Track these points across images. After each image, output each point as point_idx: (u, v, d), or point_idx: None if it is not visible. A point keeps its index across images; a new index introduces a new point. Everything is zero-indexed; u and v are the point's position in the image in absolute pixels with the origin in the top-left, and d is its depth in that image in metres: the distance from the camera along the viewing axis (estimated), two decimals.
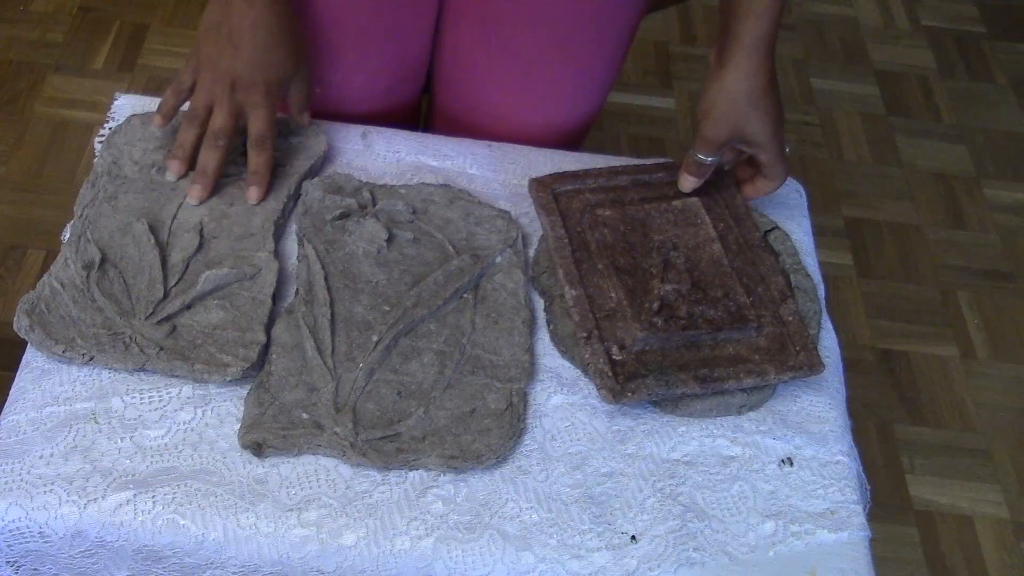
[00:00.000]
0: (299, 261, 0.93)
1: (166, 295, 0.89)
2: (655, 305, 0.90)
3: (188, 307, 0.88)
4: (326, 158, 1.03)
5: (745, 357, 0.89)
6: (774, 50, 0.91)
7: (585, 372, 0.89)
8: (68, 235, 0.93)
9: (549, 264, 0.96)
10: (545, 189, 0.99)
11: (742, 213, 1.00)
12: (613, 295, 0.91)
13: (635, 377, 0.86)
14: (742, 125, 0.93)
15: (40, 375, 0.85)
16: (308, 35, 1.03)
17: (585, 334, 0.89)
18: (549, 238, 0.96)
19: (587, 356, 0.87)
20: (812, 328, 0.94)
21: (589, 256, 0.94)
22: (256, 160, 0.95)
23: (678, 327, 0.89)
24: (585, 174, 1.01)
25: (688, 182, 0.98)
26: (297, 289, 0.91)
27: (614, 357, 0.88)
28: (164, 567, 0.80)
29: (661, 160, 1.05)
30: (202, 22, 0.94)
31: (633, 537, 0.81)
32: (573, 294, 0.91)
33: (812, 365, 0.89)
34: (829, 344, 0.96)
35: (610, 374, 0.86)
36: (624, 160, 1.06)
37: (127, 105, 1.05)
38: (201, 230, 0.93)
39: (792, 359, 0.89)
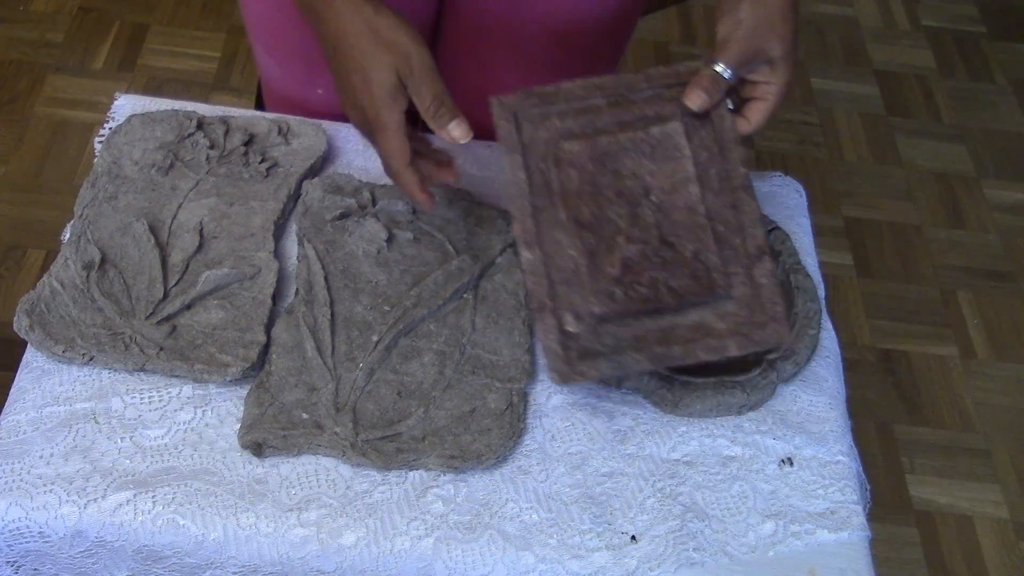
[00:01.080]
0: (299, 261, 0.93)
1: (166, 295, 0.89)
2: (616, 270, 0.83)
3: (188, 307, 0.88)
4: (326, 158, 1.03)
5: (709, 327, 0.84)
6: None
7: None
8: (68, 235, 0.93)
9: None
10: (508, 114, 0.87)
11: (729, 141, 0.88)
12: (573, 254, 0.84)
13: (587, 356, 0.82)
14: (771, 40, 0.85)
15: (40, 375, 0.85)
16: (308, 37, 1.02)
17: (537, 307, 0.83)
18: (508, 183, 0.86)
19: (538, 331, 0.83)
20: (812, 326, 0.94)
21: (551, 203, 0.85)
22: (401, 184, 0.87)
23: (638, 298, 0.83)
24: (556, 92, 0.88)
25: (699, 98, 0.86)
26: (297, 289, 0.91)
27: (567, 328, 0.82)
28: (164, 567, 0.80)
29: (649, 70, 0.90)
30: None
31: (633, 537, 0.81)
32: (529, 258, 0.84)
33: (780, 338, 0.83)
34: (829, 344, 0.96)
35: (560, 352, 0.81)
36: None
37: (127, 105, 1.05)
38: (201, 230, 0.93)
39: (758, 332, 0.84)
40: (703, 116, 0.87)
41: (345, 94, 0.84)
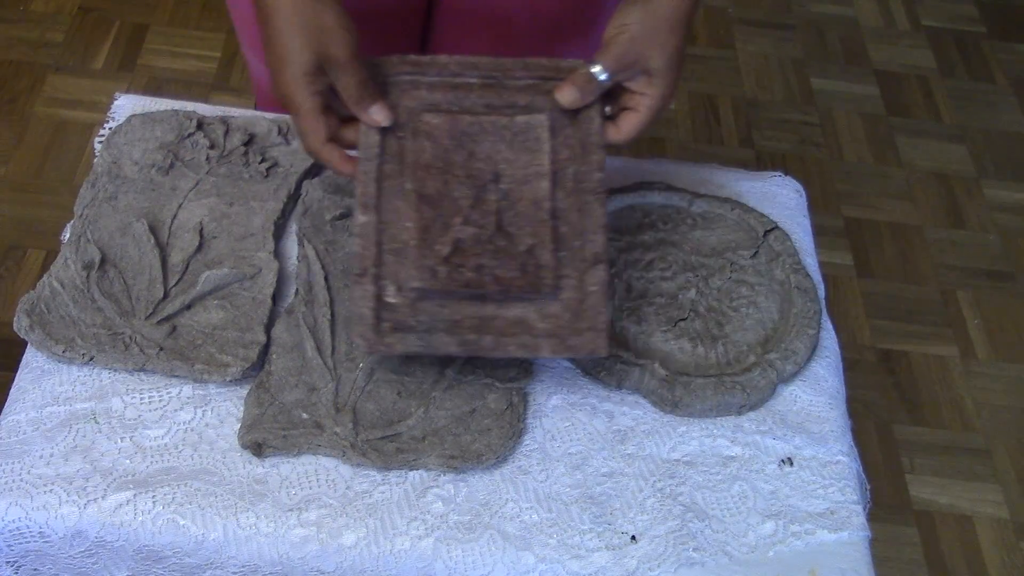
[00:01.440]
0: (299, 261, 0.93)
1: (166, 295, 0.89)
2: (446, 249, 0.82)
3: (188, 307, 0.88)
4: None
5: (529, 324, 0.82)
6: None
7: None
8: (68, 235, 0.93)
9: None
10: (378, 74, 0.85)
11: (593, 144, 0.86)
12: (408, 225, 0.82)
13: (399, 329, 0.81)
14: (656, 53, 0.84)
15: (40, 375, 0.85)
16: None
17: (359, 272, 0.81)
18: (360, 143, 0.84)
19: (355, 296, 0.81)
20: (810, 327, 0.94)
21: (400, 172, 0.84)
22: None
23: (461, 281, 0.81)
24: (431, 63, 0.87)
25: (570, 95, 0.85)
26: (297, 289, 0.91)
27: (387, 299, 0.81)
28: (164, 567, 0.80)
29: (530, 59, 0.89)
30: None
31: (633, 537, 0.81)
32: (362, 220, 0.82)
33: (595, 348, 0.81)
34: (829, 344, 0.96)
35: (371, 320, 0.80)
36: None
37: (127, 105, 1.05)
38: (201, 230, 0.93)
39: (575, 338, 0.82)
40: (573, 114, 0.86)
41: (270, 71, 0.83)
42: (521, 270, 0.82)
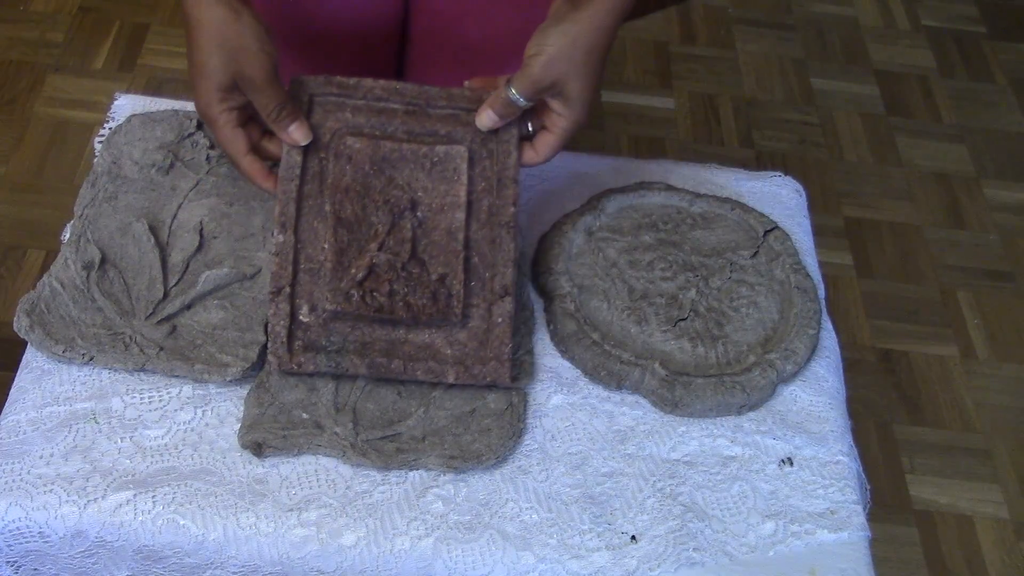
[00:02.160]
0: None
1: (166, 295, 0.89)
2: (360, 273, 0.84)
3: (188, 307, 0.88)
4: None
5: (436, 350, 0.86)
6: (623, 20, 0.86)
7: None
8: (68, 235, 0.93)
9: (548, 264, 0.96)
10: (304, 95, 0.87)
11: (507, 178, 0.88)
12: (325, 247, 0.85)
13: (310, 349, 0.84)
14: (571, 77, 0.84)
15: (40, 375, 0.85)
16: (286, 32, 1.00)
17: (274, 291, 0.84)
18: (282, 163, 0.86)
19: (270, 314, 0.84)
20: (810, 327, 0.94)
21: (319, 192, 0.86)
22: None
23: (373, 307, 0.84)
24: (357, 86, 0.88)
25: (489, 119, 0.87)
26: None
27: (301, 318, 0.84)
28: (164, 567, 0.80)
29: (453, 89, 0.90)
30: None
31: (633, 537, 0.81)
32: (280, 240, 0.85)
33: (497, 377, 0.85)
34: (829, 344, 0.96)
35: (284, 340, 0.83)
36: (606, 158, 1.05)
37: (127, 105, 1.05)
38: (201, 230, 0.93)
39: (480, 366, 0.85)
40: (491, 147, 0.89)
41: (191, 83, 0.84)
42: (432, 298, 0.85)
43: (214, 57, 0.81)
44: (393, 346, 0.85)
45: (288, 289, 0.84)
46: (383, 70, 1.11)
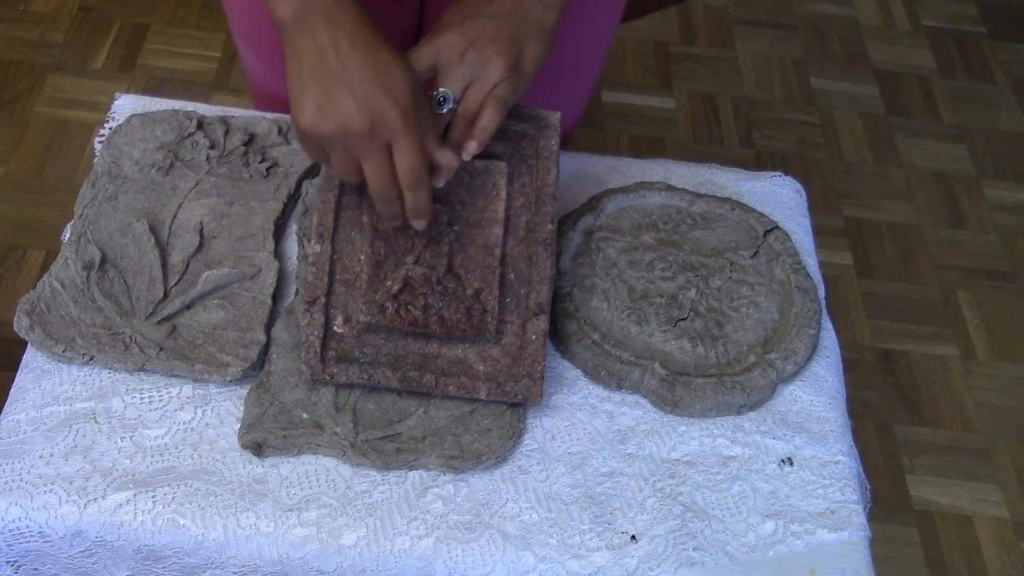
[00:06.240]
0: (299, 261, 0.93)
1: (166, 295, 0.89)
2: (396, 286, 0.84)
3: (188, 307, 0.89)
4: None
5: (469, 365, 0.85)
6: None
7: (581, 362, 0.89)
8: (68, 235, 0.93)
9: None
10: None
11: (548, 194, 0.88)
12: (361, 259, 0.85)
13: (343, 360, 0.83)
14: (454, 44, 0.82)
15: (40, 375, 0.85)
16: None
17: (309, 301, 0.84)
18: (323, 174, 0.86)
19: (303, 324, 0.84)
20: (810, 327, 0.94)
21: (359, 203, 0.86)
22: (412, 198, 0.81)
23: (407, 320, 0.84)
24: None
25: (475, 150, 0.83)
26: (297, 289, 0.91)
27: (335, 328, 0.84)
28: (164, 567, 0.80)
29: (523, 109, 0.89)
30: (290, 72, 0.79)
31: (633, 537, 0.81)
32: (316, 250, 0.85)
33: (530, 396, 0.84)
34: (829, 344, 0.96)
35: (318, 350, 0.83)
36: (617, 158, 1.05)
37: (127, 105, 1.05)
38: (201, 230, 0.93)
39: (512, 384, 0.84)
40: (531, 164, 0.88)
41: (330, 105, 0.77)
42: (467, 313, 0.85)
43: (400, 62, 0.78)
44: (426, 360, 0.85)
45: (323, 299, 0.84)
46: (399, 36, 1.10)
